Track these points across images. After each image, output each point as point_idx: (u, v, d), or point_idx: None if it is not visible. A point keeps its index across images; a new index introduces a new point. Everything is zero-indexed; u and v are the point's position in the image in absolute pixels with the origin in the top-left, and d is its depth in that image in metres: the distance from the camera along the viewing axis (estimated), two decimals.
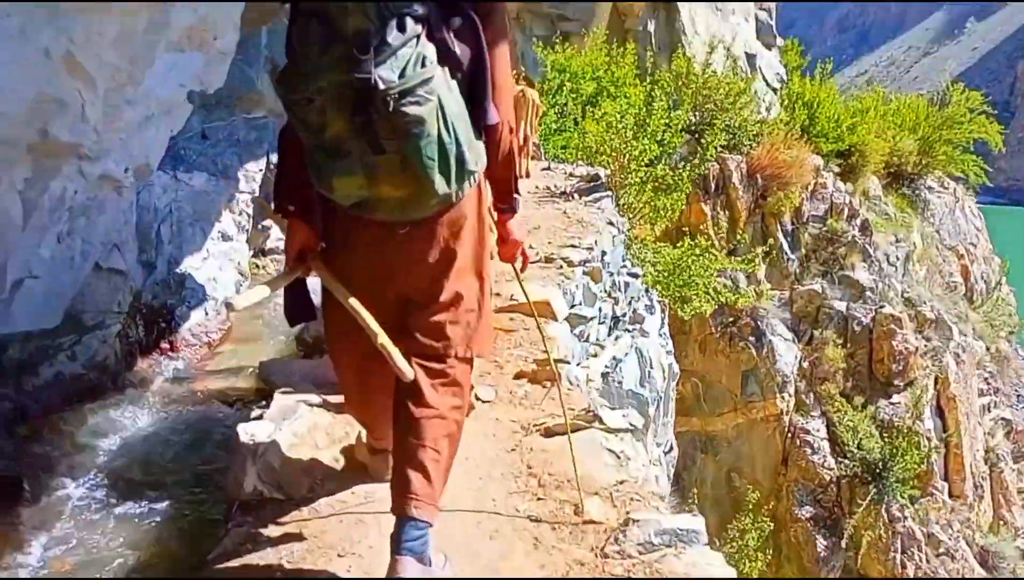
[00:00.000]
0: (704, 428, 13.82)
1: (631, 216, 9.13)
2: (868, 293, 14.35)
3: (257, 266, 7.38)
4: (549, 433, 3.38)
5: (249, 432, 3.13)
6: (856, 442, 13.43)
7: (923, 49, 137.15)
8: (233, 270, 6.46)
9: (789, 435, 13.79)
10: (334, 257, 2.48)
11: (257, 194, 7.06)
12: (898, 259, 15.71)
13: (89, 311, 5.33)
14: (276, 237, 7.75)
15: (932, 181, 18.39)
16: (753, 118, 14.32)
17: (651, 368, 7.45)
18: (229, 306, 2.87)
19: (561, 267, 5.87)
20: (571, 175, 9.72)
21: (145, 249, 5.77)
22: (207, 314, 6.19)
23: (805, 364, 13.98)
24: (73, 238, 4.94)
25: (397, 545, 2.33)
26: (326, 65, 2.10)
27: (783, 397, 13.62)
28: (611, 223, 7.64)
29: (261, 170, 6.92)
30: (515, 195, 2.60)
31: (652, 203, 9.30)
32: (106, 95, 4.04)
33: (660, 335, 8.14)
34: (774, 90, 17.66)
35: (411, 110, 2.11)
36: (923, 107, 18.08)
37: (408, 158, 2.16)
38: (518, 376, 4.06)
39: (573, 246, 6.41)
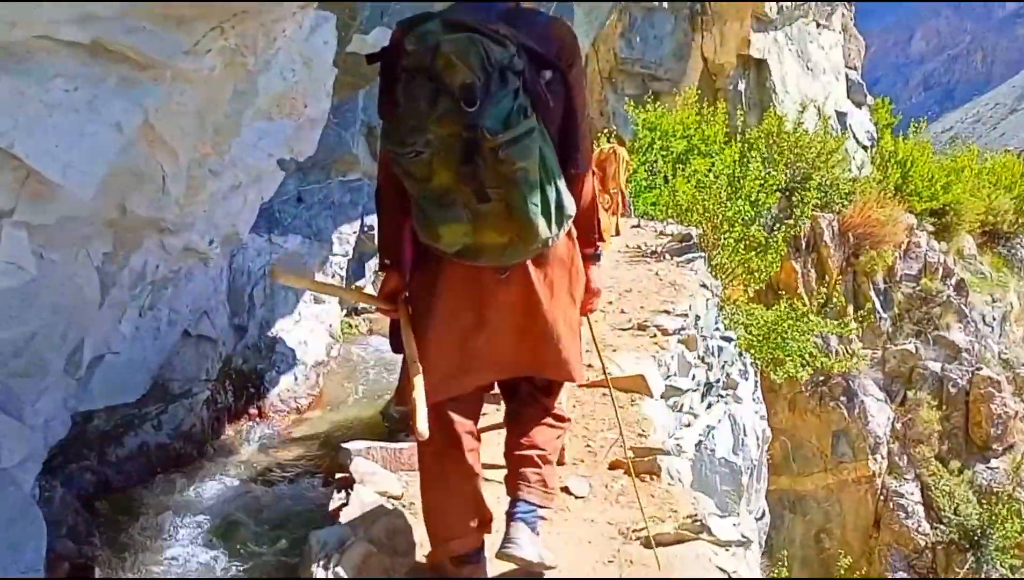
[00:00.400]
0: (793, 487, 13.61)
1: (723, 277, 9.17)
2: (964, 354, 14.05)
3: (350, 325, 7.57)
4: (652, 542, 2.98)
5: (322, 541, 2.91)
6: (953, 507, 13.04)
7: (1010, 106, 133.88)
8: (324, 332, 6.64)
9: (881, 498, 13.49)
10: (433, 300, 2.52)
11: (350, 256, 7.26)
12: (995, 319, 15.38)
13: (177, 379, 5.30)
14: (371, 291, 8.00)
15: None
16: (845, 176, 14.27)
17: (744, 435, 7.33)
18: (273, 273, 3.06)
19: (655, 336, 5.84)
20: (661, 233, 9.81)
21: (238, 312, 5.92)
22: (296, 379, 6.26)
23: (898, 425, 13.72)
24: (158, 310, 4.83)
25: (511, 516, 2.60)
26: (434, 119, 2.18)
27: (875, 459, 13.37)
28: (704, 286, 7.65)
29: (355, 232, 7.07)
30: (598, 242, 2.73)
31: (746, 264, 9.32)
32: (189, 166, 3.82)
33: (754, 400, 8.08)
34: (864, 148, 17.58)
35: (516, 159, 2.20)
36: (1019, 165, 17.74)
37: (513, 205, 2.26)
38: (613, 466, 3.79)
39: (667, 312, 6.38)
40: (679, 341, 6.00)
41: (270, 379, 6.09)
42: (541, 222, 2.30)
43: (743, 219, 9.40)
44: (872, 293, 14.21)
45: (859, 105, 19.98)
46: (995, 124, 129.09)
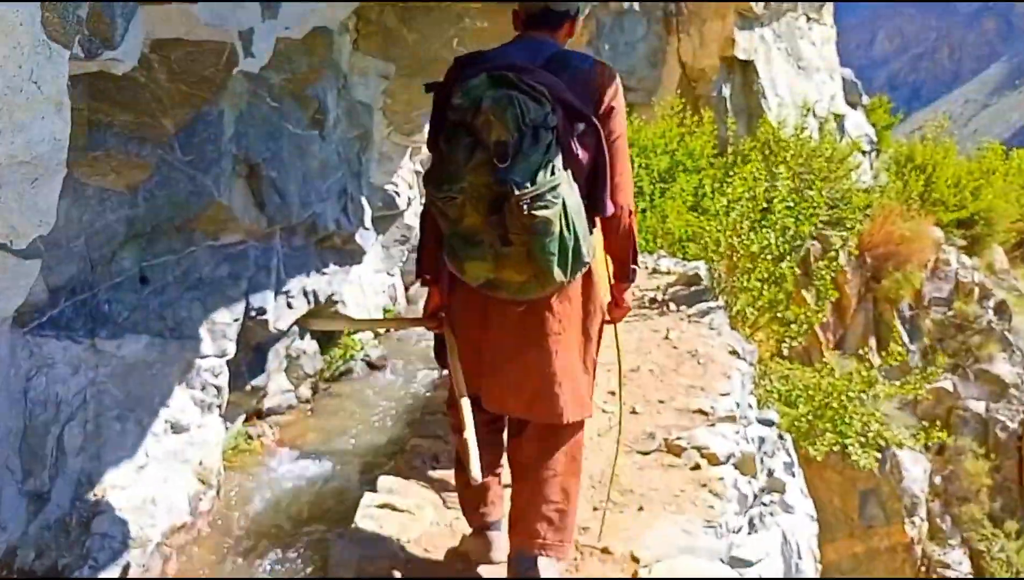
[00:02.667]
0: None
1: (745, 330, 6.98)
2: (1012, 390, 11.93)
3: (248, 438, 5.32)
4: None
5: None
6: (1013, 576, 10.92)
7: (982, 101, 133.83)
8: (190, 475, 4.25)
9: (923, 569, 11.31)
10: (459, 322, 2.84)
11: (229, 355, 4.74)
12: None
13: None
14: (277, 389, 5.79)
15: None
16: (857, 187, 12.13)
17: (799, 559, 5.23)
18: (307, 323, 3.22)
19: (697, 467, 3.79)
20: (655, 272, 7.69)
21: (34, 471, 3.52)
22: (128, 572, 3.81)
23: (938, 480, 11.57)
24: None
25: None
26: (469, 169, 2.41)
27: (913, 522, 11.17)
28: (735, 353, 5.50)
29: (238, 319, 4.74)
30: (632, 267, 2.87)
31: (778, 313, 7.17)
32: None
33: (803, 495, 5.91)
34: (864, 153, 15.45)
35: (539, 213, 2.38)
36: None
37: (533, 251, 2.44)
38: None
39: (704, 414, 4.35)
40: (733, 465, 4.06)
41: None
42: (556, 269, 2.48)
43: (771, 255, 7.22)
44: (896, 321, 12.10)
45: (853, 106, 17.95)
46: (967, 120, 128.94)
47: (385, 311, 7.66)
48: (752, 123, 13.62)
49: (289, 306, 5.45)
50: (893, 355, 9.14)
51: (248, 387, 5.31)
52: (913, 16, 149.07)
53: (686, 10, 14.70)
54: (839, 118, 15.63)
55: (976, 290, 12.61)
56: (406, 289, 8.29)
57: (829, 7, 17.32)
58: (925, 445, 11.51)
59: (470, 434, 2.54)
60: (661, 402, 4.55)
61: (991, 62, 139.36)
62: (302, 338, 6.17)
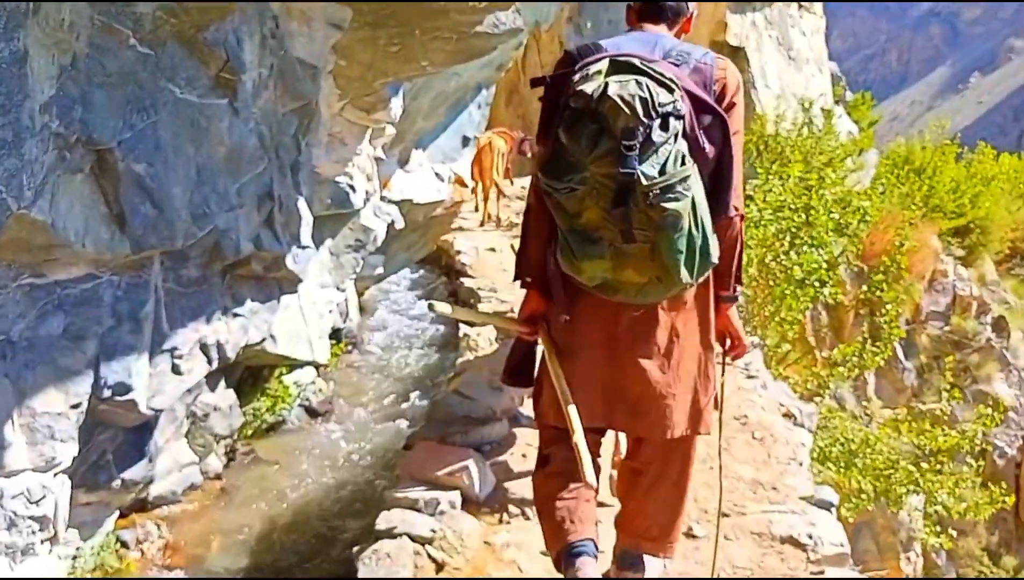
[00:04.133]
0: None
1: (777, 367, 5.92)
2: (1011, 414, 11.12)
3: (124, 546, 3.90)
4: None
5: None
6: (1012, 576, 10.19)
7: (927, 104, 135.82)
8: None
9: None
10: (568, 329, 2.59)
11: (64, 467, 3.11)
12: None
13: None
14: (173, 465, 4.34)
15: None
16: (856, 190, 11.16)
17: None
18: (431, 307, 2.71)
19: None
20: None
21: None
22: None
23: (933, 511, 10.71)
24: None
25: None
26: (593, 158, 2.23)
27: (908, 557, 10.30)
28: (791, 416, 4.47)
29: (78, 405, 3.14)
30: (738, 284, 2.68)
31: (820, 352, 6.12)
32: None
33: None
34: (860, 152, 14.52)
35: (669, 205, 2.21)
36: None
37: (659, 249, 2.27)
38: None
39: (794, 544, 3.36)
40: None
41: None
42: (683, 269, 2.30)
43: (818, 281, 6.16)
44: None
45: (837, 101, 17.05)
46: (912, 121, 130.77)
47: (333, 344, 6.40)
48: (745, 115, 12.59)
49: (176, 371, 3.81)
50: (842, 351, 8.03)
51: (116, 483, 3.76)
52: (865, 17, 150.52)
53: None
54: (829, 115, 14.69)
55: (974, 304, 11.78)
56: (360, 304, 7.09)
57: None
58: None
59: (580, 438, 2.41)
60: (726, 516, 3.47)
61: (936, 66, 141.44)
62: (213, 389, 4.63)
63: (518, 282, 2.71)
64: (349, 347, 7.16)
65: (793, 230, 6.42)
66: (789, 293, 6.23)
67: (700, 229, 2.28)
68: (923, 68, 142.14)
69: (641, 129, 2.19)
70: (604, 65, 2.30)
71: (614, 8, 13.48)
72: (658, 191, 2.19)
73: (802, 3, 15.32)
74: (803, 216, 6.72)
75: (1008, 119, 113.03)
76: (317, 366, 5.95)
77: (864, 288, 9.50)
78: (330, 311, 6.14)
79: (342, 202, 5.85)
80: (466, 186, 8.68)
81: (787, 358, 6.44)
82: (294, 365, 5.62)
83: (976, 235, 12.51)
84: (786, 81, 14.14)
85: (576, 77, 2.32)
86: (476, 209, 11.61)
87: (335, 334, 6.78)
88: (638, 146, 2.18)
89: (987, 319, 11.80)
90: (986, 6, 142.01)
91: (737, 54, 13.64)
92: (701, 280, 2.43)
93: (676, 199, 2.21)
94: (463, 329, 6.39)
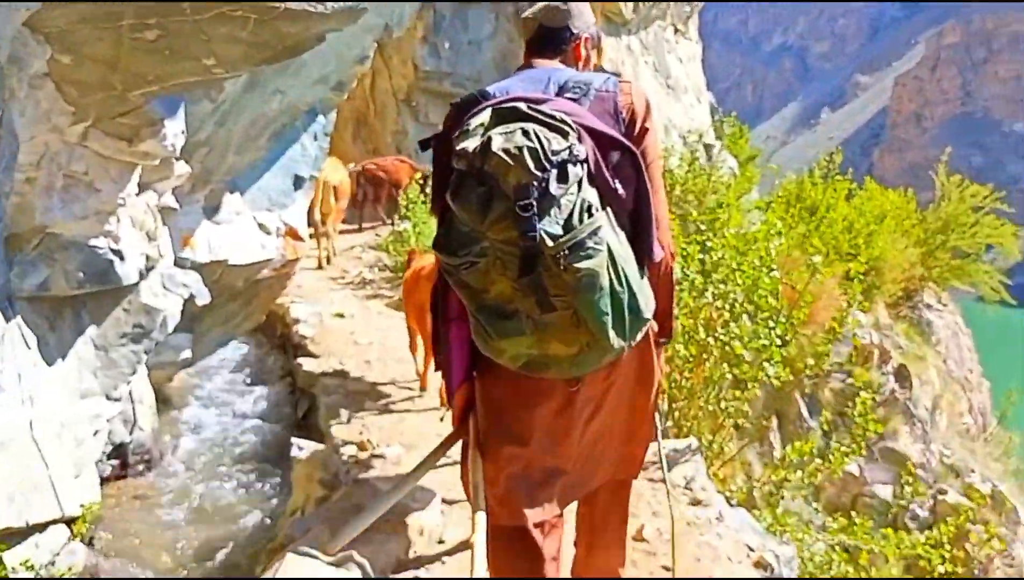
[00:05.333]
0: None
1: (713, 473, 4.62)
2: (920, 471, 10.20)
3: None
4: None
5: None
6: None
7: (780, 138, 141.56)
8: None
9: None
10: (499, 416, 2.32)
11: None
12: (927, 409, 11.78)
13: None
14: None
15: (929, 297, 14.65)
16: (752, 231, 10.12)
17: None
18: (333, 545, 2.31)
19: None
20: None
21: None
22: None
23: None
24: None
25: None
26: (489, 225, 1.99)
27: None
28: (765, 565, 3.55)
29: None
30: (671, 325, 2.52)
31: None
32: None
33: None
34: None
35: (582, 265, 1.98)
36: (913, 203, 14.41)
37: (581, 314, 2.03)
38: None
39: None
40: None
41: None
42: (612, 332, 2.06)
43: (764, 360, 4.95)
44: (796, 393, 10.14)
45: (717, 137, 16.23)
46: (768, 156, 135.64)
47: (112, 467, 4.63)
48: None
49: None
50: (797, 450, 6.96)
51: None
52: (720, 51, 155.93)
53: None
54: (709, 149, 13.72)
55: (876, 353, 10.89)
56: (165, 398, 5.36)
57: (695, 19, 15.48)
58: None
59: (479, 540, 2.10)
60: None
61: (789, 100, 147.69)
62: None
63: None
64: (140, 468, 5.35)
65: (735, 296, 5.17)
66: (733, 375, 4.98)
67: (624, 283, 2.06)
68: (776, 102, 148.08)
69: (535, 184, 1.94)
70: (486, 117, 2.06)
71: (474, 28, 12.17)
72: (567, 251, 1.95)
73: (678, 27, 14.36)
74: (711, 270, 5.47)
75: (857, 154, 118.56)
76: (72, 521, 4.12)
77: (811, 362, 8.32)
78: (96, 432, 4.35)
79: (101, 275, 4.11)
80: (301, 239, 7.04)
81: (723, 454, 5.18)
82: (26, 534, 3.80)
83: (872, 277, 11.69)
84: (666, 112, 13.10)
85: (457, 134, 2.09)
86: (319, 266, 10.47)
87: (119, 450, 5.01)
88: (535, 204, 1.94)
89: (888, 368, 10.93)
90: (833, 42, 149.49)
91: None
92: (638, 339, 2.19)
93: (589, 256, 1.97)
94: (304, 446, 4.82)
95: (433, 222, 10.57)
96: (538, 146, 1.95)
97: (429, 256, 7.11)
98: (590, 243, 1.97)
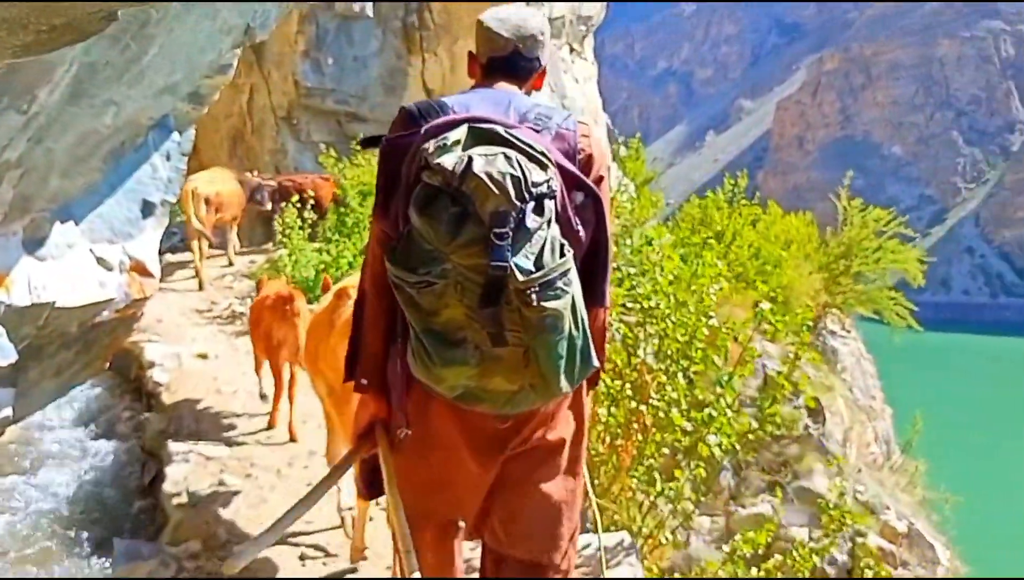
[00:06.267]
0: None
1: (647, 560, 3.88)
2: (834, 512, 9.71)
3: None
4: None
5: None
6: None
7: (667, 160, 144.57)
8: None
9: None
10: (417, 442, 2.22)
11: None
12: (838, 443, 11.39)
13: None
14: None
15: (832, 324, 14.40)
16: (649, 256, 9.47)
17: None
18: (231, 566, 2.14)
19: None
20: None
21: None
22: None
23: None
24: None
25: None
26: (457, 247, 1.90)
27: None
28: None
29: None
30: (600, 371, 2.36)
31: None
32: None
33: None
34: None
35: (550, 305, 1.92)
36: (814, 228, 14.17)
37: (534, 354, 1.95)
38: None
39: None
40: None
41: None
42: (563, 376, 1.98)
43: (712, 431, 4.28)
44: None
45: (613, 158, 15.69)
46: (656, 179, 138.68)
47: None
48: None
49: None
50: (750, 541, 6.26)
51: None
52: (607, 75, 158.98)
53: (432, 23, 11.51)
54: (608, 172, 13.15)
55: (786, 386, 10.37)
56: None
57: (590, 39, 14.92)
58: None
59: (412, 561, 2.00)
60: None
61: (674, 124, 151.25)
62: None
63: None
64: None
65: (669, 352, 4.44)
66: (672, 447, 4.23)
67: (580, 329, 1.99)
68: (662, 126, 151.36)
69: (514, 214, 1.88)
70: (462, 133, 1.97)
71: (360, 43, 11.31)
72: (537, 288, 1.89)
73: (574, 46, 13.75)
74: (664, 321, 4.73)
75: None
76: None
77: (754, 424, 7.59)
78: None
79: None
80: (151, 275, 5.98)
81: (656, 541, 4.41)
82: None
83: (779, 306, 11.24)
84: None
85: (429, 147, 1.95)
86: (200, 288, 9.74)
87: None
88: (510, 234, 1.86)
89: (800, 402, 10.45)
90: (717, 68, 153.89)
91: None
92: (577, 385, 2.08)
93: (557, 296, 1.91)
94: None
95: (310, 250, 9.48)
96: (520, 175, 1.90)
97: (277, 283, 6.35)
98: (559, 283, 1.92)
